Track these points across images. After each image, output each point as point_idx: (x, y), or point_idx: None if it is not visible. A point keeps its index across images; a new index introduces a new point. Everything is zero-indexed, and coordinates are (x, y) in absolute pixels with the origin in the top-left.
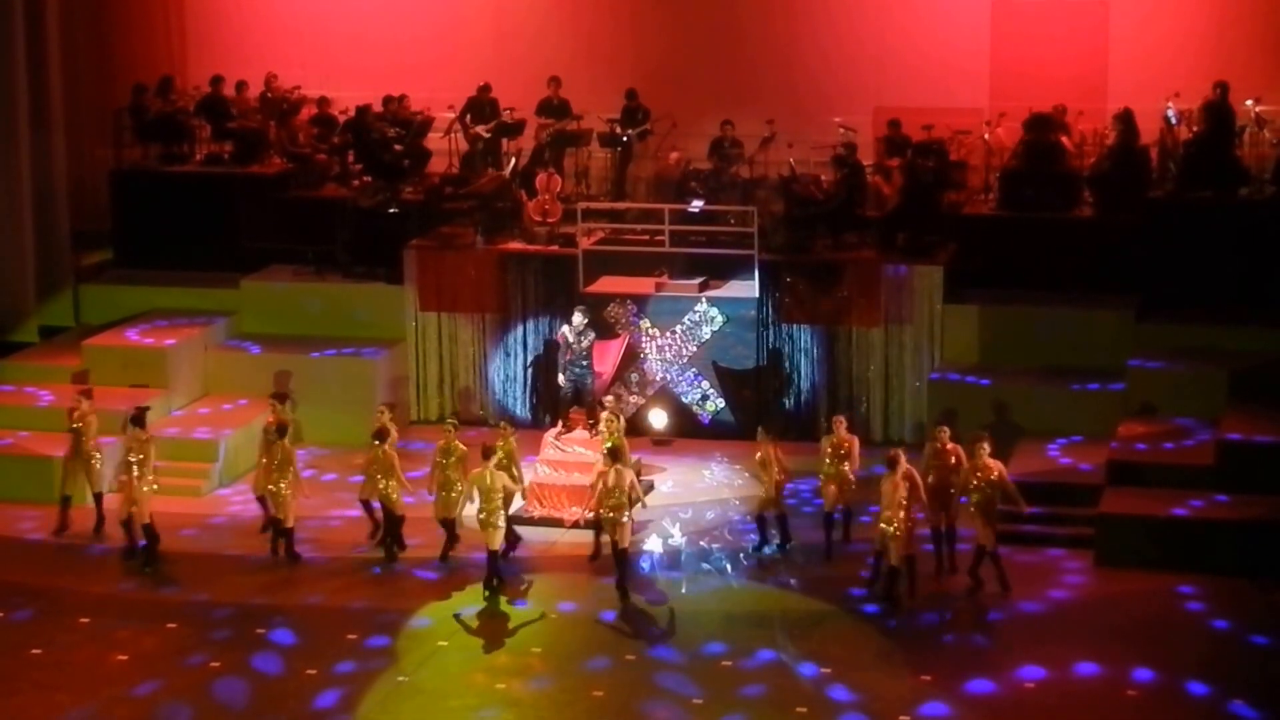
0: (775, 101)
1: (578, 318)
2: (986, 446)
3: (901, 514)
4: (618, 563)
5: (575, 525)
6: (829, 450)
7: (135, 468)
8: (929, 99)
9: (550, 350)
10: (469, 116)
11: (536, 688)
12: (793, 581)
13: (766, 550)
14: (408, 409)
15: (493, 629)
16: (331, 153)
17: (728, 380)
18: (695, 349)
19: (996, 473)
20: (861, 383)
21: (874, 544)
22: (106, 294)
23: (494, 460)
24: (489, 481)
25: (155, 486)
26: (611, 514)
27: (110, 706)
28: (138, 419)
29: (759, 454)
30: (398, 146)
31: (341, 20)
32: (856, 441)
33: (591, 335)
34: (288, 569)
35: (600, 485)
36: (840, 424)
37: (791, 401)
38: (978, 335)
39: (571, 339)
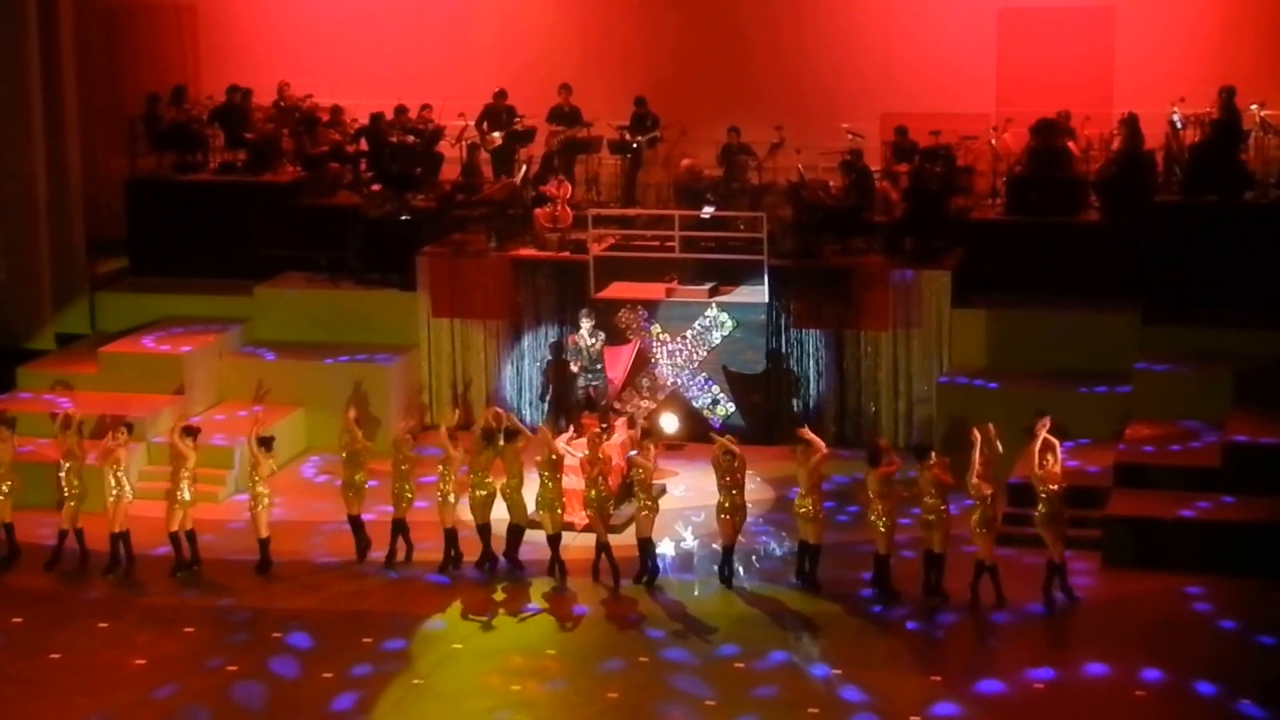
0: (783, 108)
1: (586, 322)
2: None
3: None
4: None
5: (587, 529)
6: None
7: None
8: (936, 105)
9: (560, 355)
10: (486, 124)
11: (551, 689)
12: (793, 581)
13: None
14: (422, 414)
15: (506, 632)
16: (345, 161)
17: (738, 385)
18: (706, 354)
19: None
20: (870, 387)
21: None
22: (122, 301)
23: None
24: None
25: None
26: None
27: (129, 710)
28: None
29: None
30: (412, 139)
31: (353, 29)
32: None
33: (601, 336)
34: (304, 575)
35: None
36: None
37: (801, 406)
38: (985, 339)
39: (584, 344)
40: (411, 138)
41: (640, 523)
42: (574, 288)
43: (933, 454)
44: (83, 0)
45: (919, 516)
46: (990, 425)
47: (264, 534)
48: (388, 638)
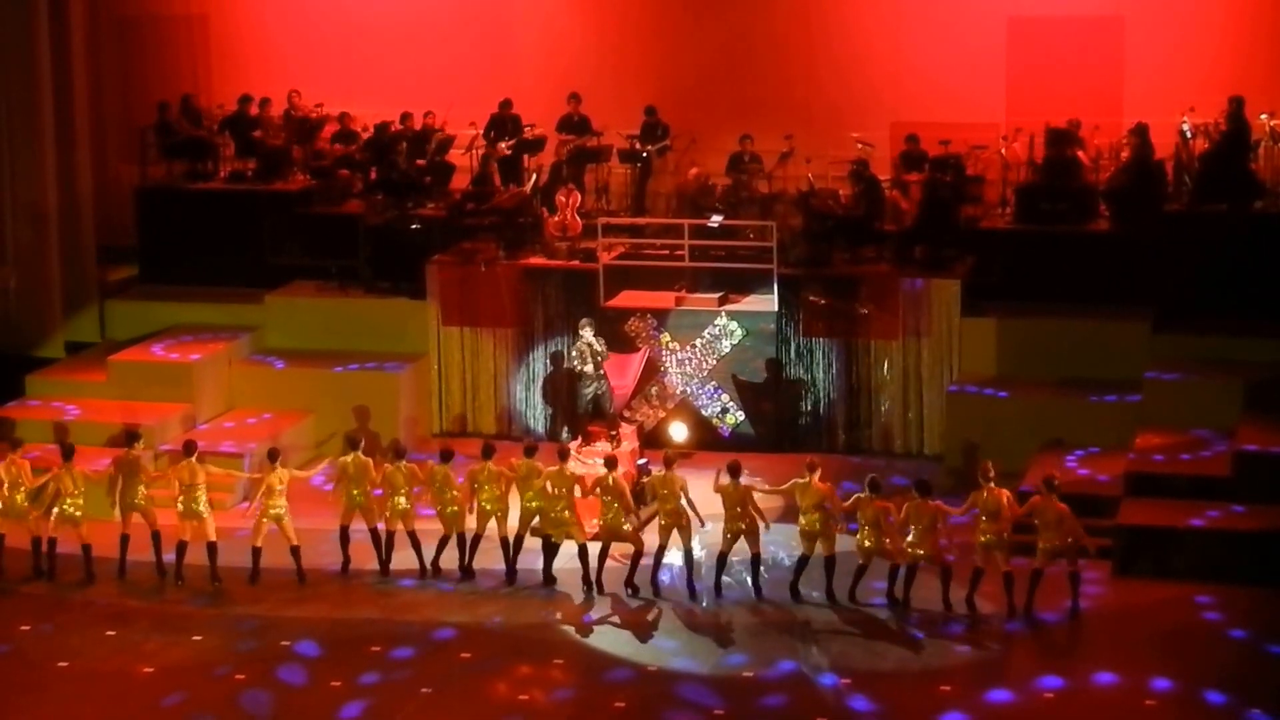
0: (793, 117)
1: (587, 331)
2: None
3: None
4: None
5: (596, 538)
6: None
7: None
8: (945, 114)
9: (564, 363)
10: (493, 133)
11: (559, 698)
12: (814, 593)
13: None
14: (430, 422)
15: (514, 641)
16: (353, 168)
17: (747, 393)
18: (715, 362)
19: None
20: (880, 395)
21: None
22: (132, 310)
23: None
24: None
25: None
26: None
27: (137, 718)
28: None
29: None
30: (420, 161)
31: (364, 38)
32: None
33: (602, 343)
34: (312, 583)
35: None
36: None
37: (810, 414)
38: (995, 348)
39: (597, 349)
40: (423, 161)
41: (660, 531)
42: (583, 296)
43: (913, 493)
44: (95, 10)
45: (906, 549)
46: (990, 463)
47: (294, 541)
48: (396, 646)
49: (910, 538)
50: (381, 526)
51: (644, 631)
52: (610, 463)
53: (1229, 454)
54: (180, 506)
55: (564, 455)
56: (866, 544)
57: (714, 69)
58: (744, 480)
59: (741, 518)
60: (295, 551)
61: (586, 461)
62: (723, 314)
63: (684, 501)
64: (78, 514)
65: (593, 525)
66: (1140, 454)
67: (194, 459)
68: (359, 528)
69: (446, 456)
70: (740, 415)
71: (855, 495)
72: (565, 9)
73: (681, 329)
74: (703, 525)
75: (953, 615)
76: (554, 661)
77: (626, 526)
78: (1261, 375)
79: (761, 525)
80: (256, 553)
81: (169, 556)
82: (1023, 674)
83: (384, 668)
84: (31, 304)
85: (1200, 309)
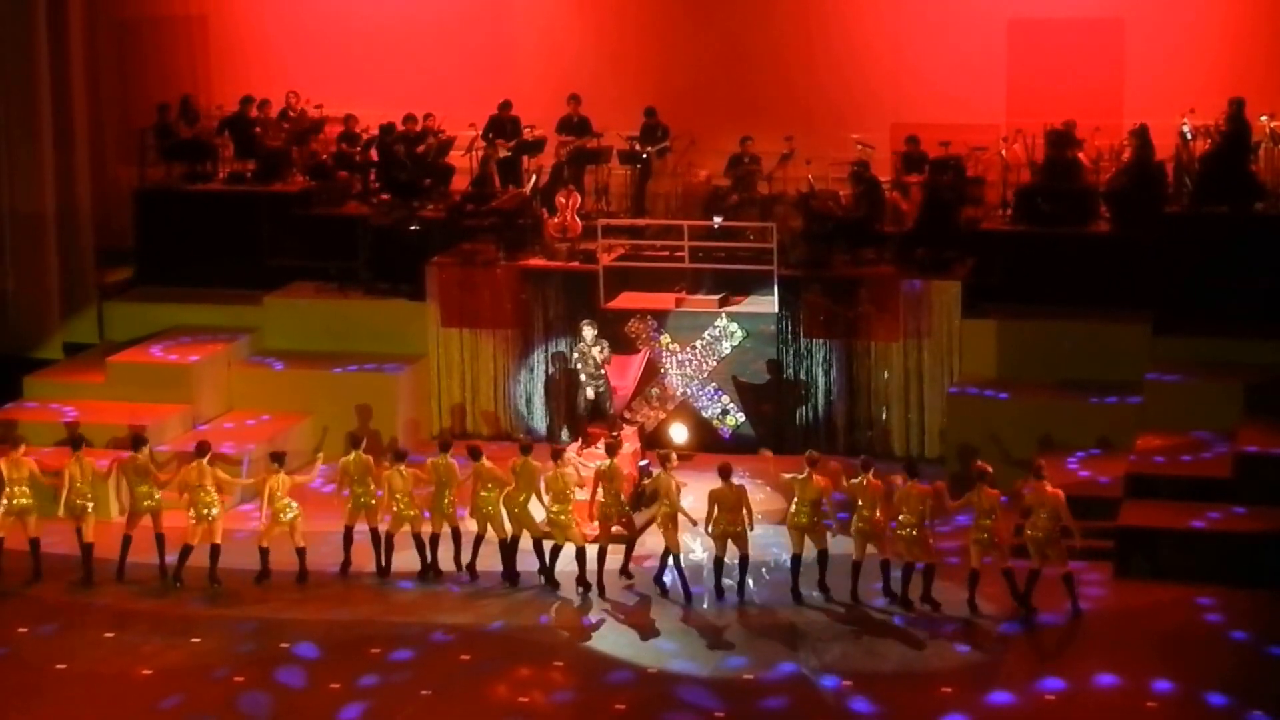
0: (793, 118)
1: (589, 332)
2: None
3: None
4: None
5: (596, 541)
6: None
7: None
8: (945, 115)
9: (564, 365)
10: (492, 134)
11: (559, 700)
12: (814, 594)
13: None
14: (430, 424)
15: (513, 643)
16: (353, 170)
17: (748, 395)
18: (715, 364)
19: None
20: (880, 397)
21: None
22: (131, 311)
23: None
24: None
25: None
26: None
27: None
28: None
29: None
30: (421, 148)
31: (363, 40)
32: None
33: (604, 344)
34: (311, 585)
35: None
36: (814, 466)
37: (810, 416)
38: (996, 349)
39: (601, 353)
40: (421, 147)
41: (661, 533)
42: (583, 298)
43: (902, 478)
44: (94, 12)
45: (898, 531)
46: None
47: (301, 543)
48: (395, 648)
49: (902, 517)
50: (382, 528)
51: (644, 633)
52: (611, 449)
53: (1230, 456)
54: (191, 513)
55: (558, 456)
56: (860, 525)
57: (714, 70)
58: (735, 480)
59: (731, 521)
60: (301, 553)
61: (587, 464)
62: (723, 315)
63: (680, 503)
64: (87, 505)
65: (592, 528)
66: (1141, 456)
67: (205, 460)
68: (362, 528)
69: (445, 446)
70: (740, 417)
71: (852, 481)
72: (565, 10)
73: (682, 330)
74: (694, 524)
75: (947, 616)
76: (554, 663)
77: (625, 511)
78: (1262, 377)
79: (749, 528)
80: (265, 553)
81: (171, 558)
82: (1023, 676)
83: (383, 670)
84: (30, 305)
85: (1201, 311)
